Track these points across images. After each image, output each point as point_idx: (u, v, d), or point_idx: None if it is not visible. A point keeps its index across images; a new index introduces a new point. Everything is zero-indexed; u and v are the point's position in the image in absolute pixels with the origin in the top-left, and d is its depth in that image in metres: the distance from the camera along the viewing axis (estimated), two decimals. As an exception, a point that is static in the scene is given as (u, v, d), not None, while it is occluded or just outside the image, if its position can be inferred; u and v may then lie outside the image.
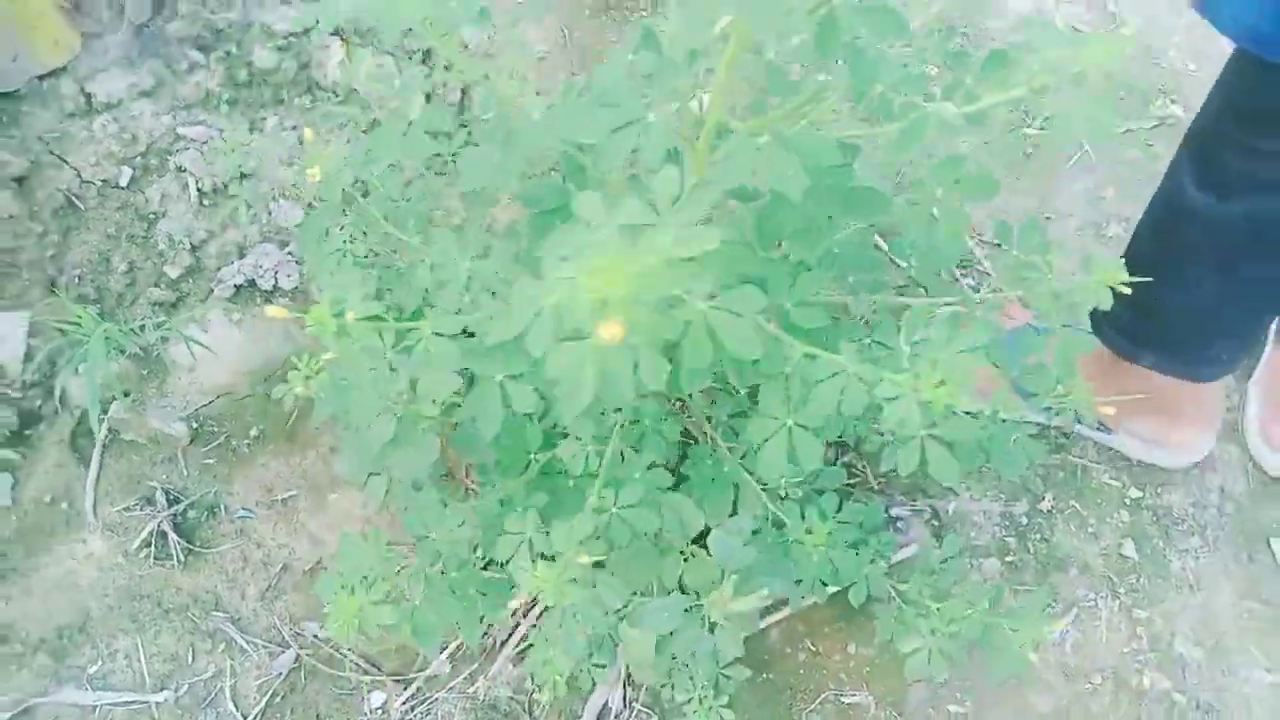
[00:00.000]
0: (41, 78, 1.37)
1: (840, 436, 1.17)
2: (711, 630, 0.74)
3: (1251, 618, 1.15)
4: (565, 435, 0.89)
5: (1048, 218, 1.39)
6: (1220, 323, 1.04)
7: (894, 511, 1.18)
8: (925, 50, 0.73)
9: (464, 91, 1.46)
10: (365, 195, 0.95)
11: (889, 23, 0.59)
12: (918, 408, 0.63)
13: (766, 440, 0.72)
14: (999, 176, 1.28)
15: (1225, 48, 0.94)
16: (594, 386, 0.52)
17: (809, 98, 0.64)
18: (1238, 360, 1.10)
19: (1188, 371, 1.09)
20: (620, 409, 0.88)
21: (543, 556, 0.69)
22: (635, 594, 0.78)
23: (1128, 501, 1.20)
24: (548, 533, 0.70)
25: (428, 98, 1.37)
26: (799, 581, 1.02)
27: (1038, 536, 1.19)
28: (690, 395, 0.98)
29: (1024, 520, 1.19)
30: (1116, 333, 1.09)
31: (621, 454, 0.85)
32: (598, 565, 0.71)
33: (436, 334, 0.71)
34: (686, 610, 0.74)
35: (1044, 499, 1.20)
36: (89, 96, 1.35)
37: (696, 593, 0.77)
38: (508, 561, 0.75)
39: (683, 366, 0.58)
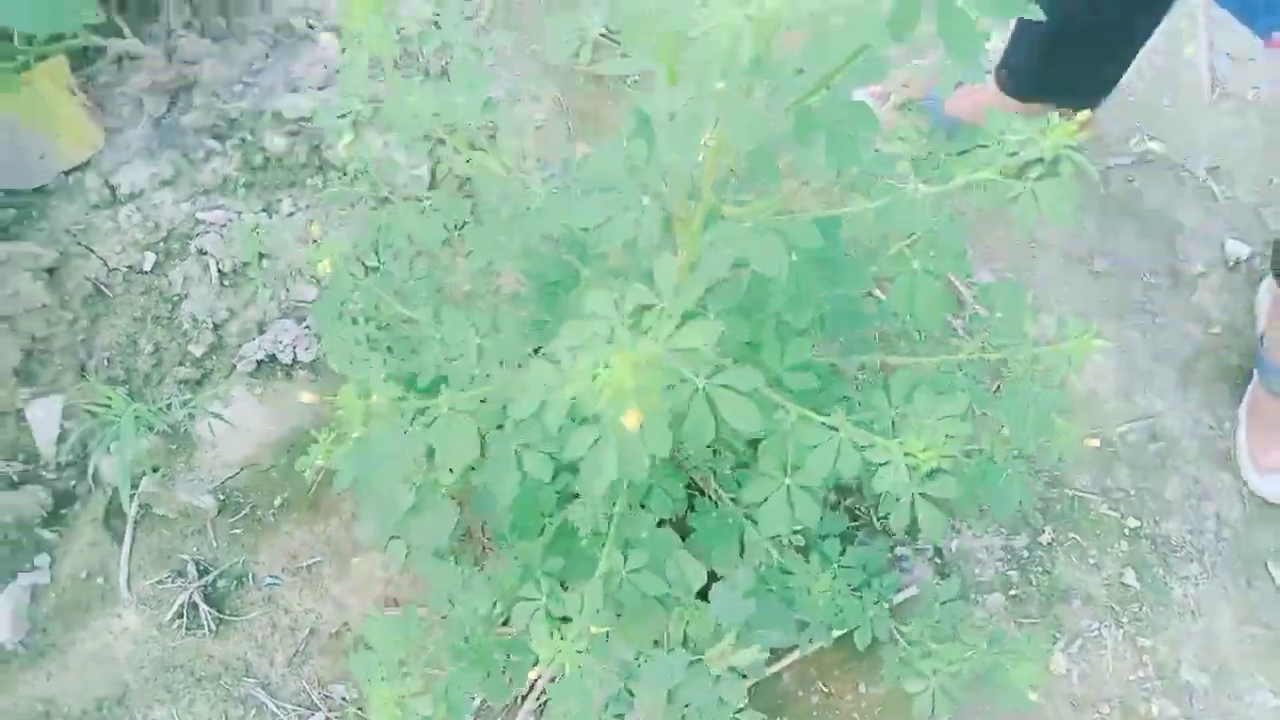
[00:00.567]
0: (68, 173, 1.45)
1: (840, 481, 1.21)
2: (716, 681, 0.78)
3: (1254, 642, 1.17)
4: (576, 495, 0.94)
5: (1033, 252, 1.43)
6: None
7: (898, 551, 1.22)
8: (898, 129, 0.79)
9: (469, 161, 1.52)
10: (376, 270, 1.01)
11: (862, 119, 0.65)
12: (906, 471, 0.67)
13: (766, 499, 0.76)
14: (984, 213, 1.33)
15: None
16: (615, 467, 0.56)
17: (790, 192, 0.70)
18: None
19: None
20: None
21: (558, 619, 0.74)
22: (641, 652, 0.82)
23: (1126, 531, 1.24)
24: (561, 598, 0.74)
25: (433, 175, 1.44)
26: (805, 627, 1.05)
27: (1040, 569, 1.22)
28: (686, 461, 1.03)
29: (1025, 554, 1.22)
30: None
31: (630, 506, 0.89)
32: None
33: (453, 409, 0.76)
34: (691, 664, 0.78)
35: (1044, 532, 1.23)
36: (113, 188, 1.43)
37: (699, 645, 0.80)
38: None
39: (686, 440, 0.63)
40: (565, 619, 0.74)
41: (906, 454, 0.65)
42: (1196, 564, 1.22)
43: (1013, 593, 1.20)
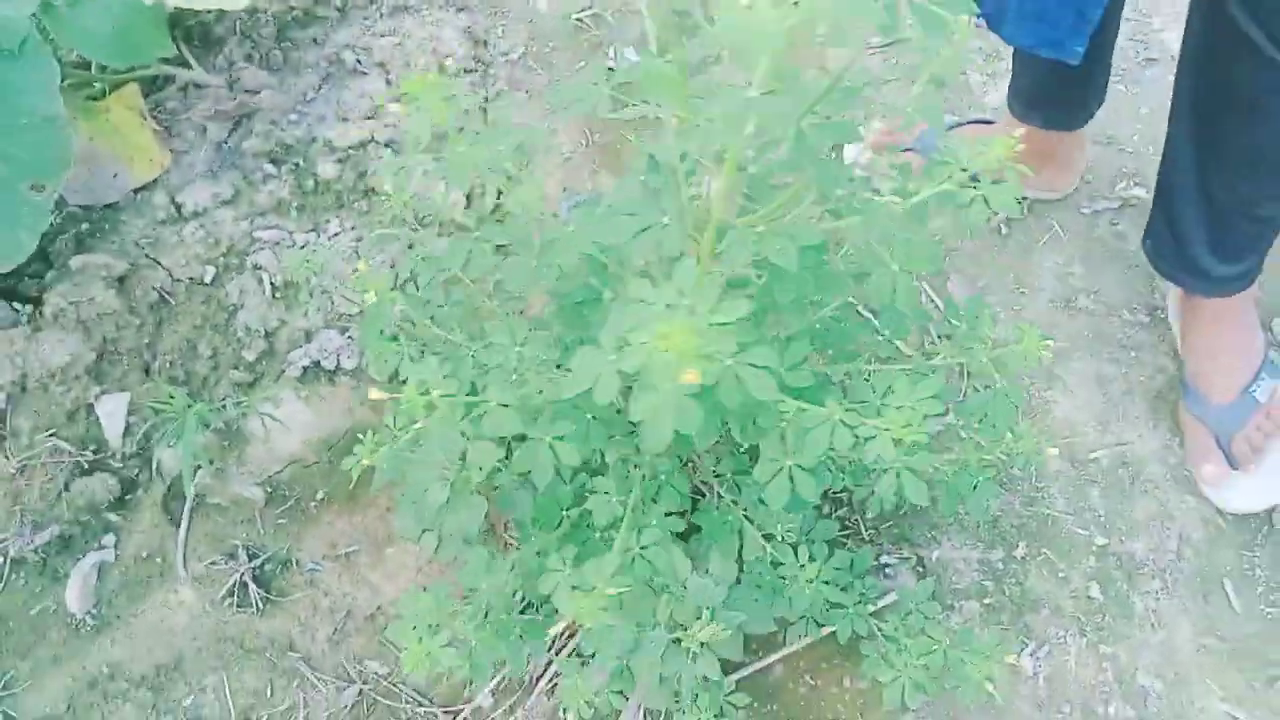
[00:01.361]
0: (137, 191, 1.59)
1: (835, 491, 1.33)
2: (692, 658, 0.90)
3: (1208, 653, 1.28)
4: (592, 493, 1.06)
5: (1021, 290, 1.55)
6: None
7: (883, 559, 1.33)
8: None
9: (500, 192, 1.65)
10: (415, 290, 1.13)
11: (847, 133, 0.78)
12: (891, 443, 0.79)
13: (771, 480, 0.87)
14: (977, 257, 1.46)
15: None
16: (672, 424, 0.68)
17: (788, 198, 0.82)
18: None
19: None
20: (639, 466, 1.05)
21: (577, 589, 0.86)
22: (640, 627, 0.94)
23: (1094, 549, 1.34)
24: (579, 573, 0.87)
25: (468, 199, 1.57)
26: (790, 625, 1.17)
27: (1013, 581, 1.33)
28: (697, 456, 1.15)
29: (1000, 566, 1.33)
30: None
31: (642, 501, 1.01)
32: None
33: (501, 404, 0.88)
34: (671, 642, 0.89)
35: (1018, 547, 1.34)
36: (178, 206, 1.57)
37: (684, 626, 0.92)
38: (546, 600, 0.92)
39: (717, 409, 0.75)
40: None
41: (889, 430, 0.77)
42: (1158, 580, 1.32)
43: (987, 601, 1.31)
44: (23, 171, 1.35)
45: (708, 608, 0.90)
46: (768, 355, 0.73)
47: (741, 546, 1.10)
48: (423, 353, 1.11)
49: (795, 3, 0.55)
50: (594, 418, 0.94)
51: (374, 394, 0.80)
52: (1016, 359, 0.97)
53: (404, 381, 1.13)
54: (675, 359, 0.61)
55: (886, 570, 1.32)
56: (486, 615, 1.03)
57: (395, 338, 1.14)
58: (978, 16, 1.04)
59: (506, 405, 0.83)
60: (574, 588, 0.87)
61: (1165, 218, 1.33)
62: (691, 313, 0.66)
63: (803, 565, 1.04)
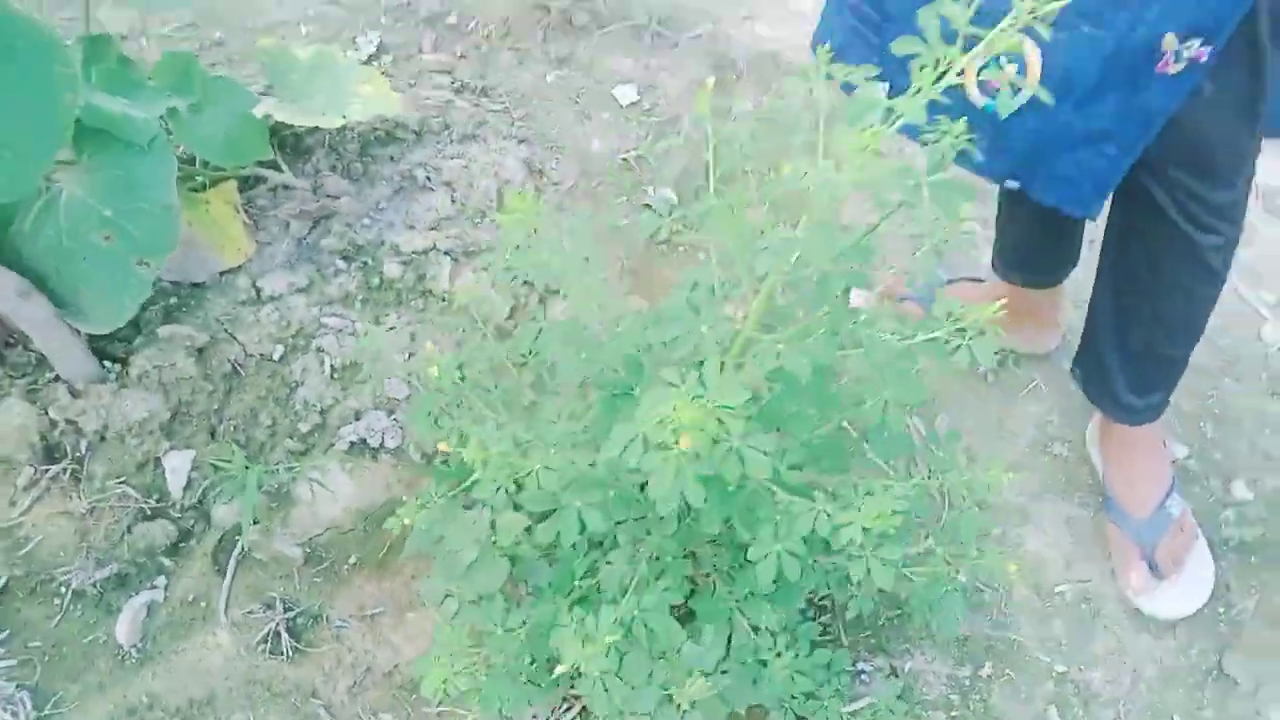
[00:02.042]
0: (224, 274, 1.79)
1: (819, 598, 1.46)
2: (682, 713, 1.03)
3: (1154, 781, 1.38)
4: (608, 564, 1.20)
5: (1002, 434, 1.71)
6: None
7: (860, 666, 1.45)
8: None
9: (541, 300, 1.85)
10: (462, 379, 1.30)
11: (859, 279, 0.96)
12: (861, 529, 0.94)
13: (762, 560, 1.02)
14: (966, 401, 1.63)
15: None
16: (677, 485, 0.84)
17: (806, 326, 1.00)
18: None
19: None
20: (648, 547, 1.20)
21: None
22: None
23: (1054, 675, 1.46)
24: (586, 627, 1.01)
25: (512, 310, 1.76)
26: (772, 711, 1.29)
27: (978, 697, 1.44)
28: (699, 548, 1.30)
29: (967, 683, 1.45)
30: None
31: (645, 580, 1.16)
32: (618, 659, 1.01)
33: (546, 468, 1.04)
34: (665, 697, 1.03)
35: (985, 666, 1.46)
36: (258, 290, 1.77)
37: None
38: (550, 659, 1.06)
39: (721, 478, 0.90)
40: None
41: (861, 520, 0.93)
42: (1112, 710, 1.44)
43: (953, 714, 1.43)
44: (135, 248, 1.56)
45: (699, 671, 1.03)
46: (766, 441, 0.90)
47: (731, 632, 1.23)
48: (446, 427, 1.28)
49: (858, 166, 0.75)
50: (616, 495, 1.10)
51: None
52: (982, 484, 1.13)
53: (443, 462, 1.30)
54: (684, 429, 0.78)
55: (862, 676, 1.44)
56: (499, 658, 1.16)
57: (438, 419, 1.31)
58: (1013, 179, 1.24)
59: (549, 469, 0.99)
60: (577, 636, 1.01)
61: (1090, 354, 1.52)
62: (701, 398, 0.83)
63: (779, 654, 1.17)
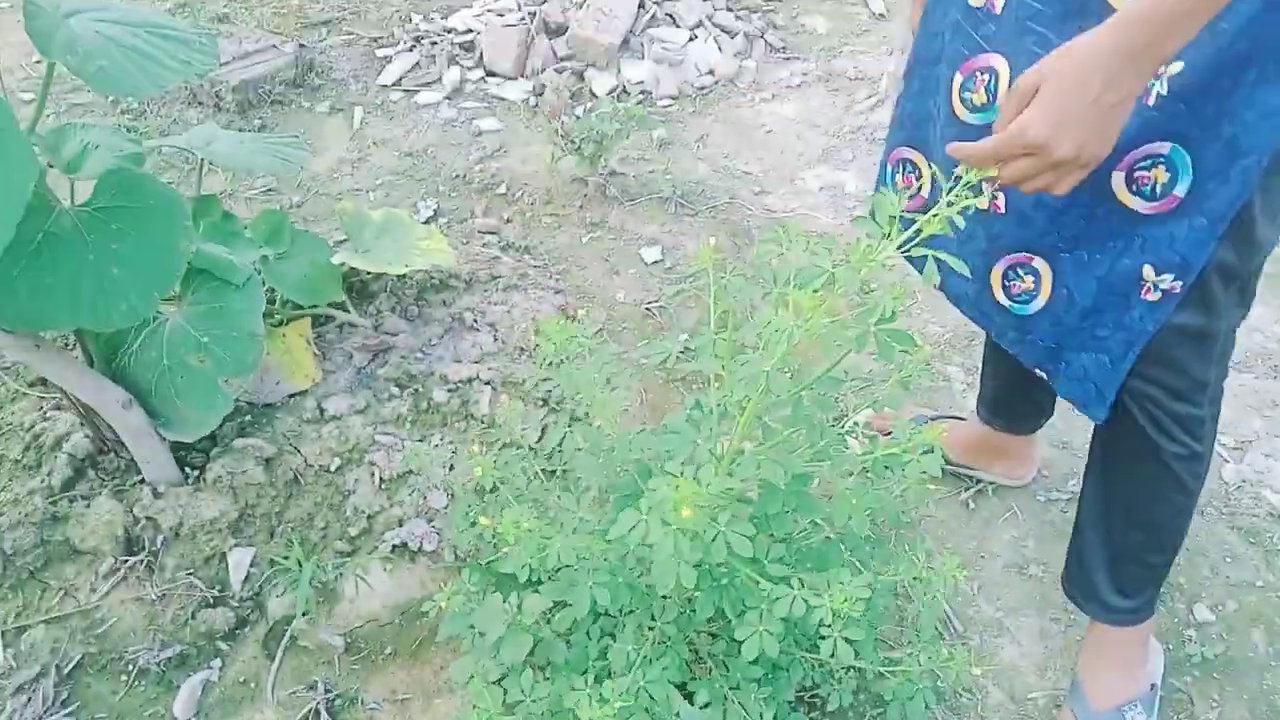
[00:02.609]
0: (292, 396, 2.05)
1: (809, 694, 1.60)
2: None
3: None
4: (613, 644, 1.37)
5: (982, 556, 1.87)
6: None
7: (844, 762, 1.57)
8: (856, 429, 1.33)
9: (570, 425, 2.08)
10: (494, 490, 1.51)
11: (825, 404, 1.18)
12: (830, 610, 1.11)
13: (749, 638, 1.19)
14: (949, 526, 1.82)
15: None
16: (674, 555, 1.03)
17: (784, 440, 1.21)
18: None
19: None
20: (653, 630, 1.37)
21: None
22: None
23: (1029, 776, 1.57)
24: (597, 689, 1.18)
25: (543, 431, 1.99)
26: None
27: (957, 796, 1.55)
28: (697, 635, 1.46)
29: (947, 781, 1.56)
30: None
31: (648, 660, 1.32)
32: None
33: (567, 545, 1.23)
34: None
35: (963, 766, 1.57)
36: (322, 410, 2.02)
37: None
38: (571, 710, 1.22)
39: (712, 572, 1.09)
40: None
41: (832, 602, 1.10)
42: (1086, 812, 1.53)
43: (934, 811, 1.53)
44: (224, 370, 1.82)
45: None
46: (747, 528, 1.10)
47: (725, 714, 1.38)
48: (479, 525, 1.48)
49: (806, 319, 0.99)
50: (623, 581, 1.28)
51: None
52: (939, 578, 1.30)
53: (466, 562, 1.50)
54: (681, 504, 0.99)
55: (847, 771, 1.56)
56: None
57: (474, 521, 1.52)
58: (1039, 370, 1.46)
59: (570, 547, 1.19)
60: (591, 698, 1.18)
61: (1076, 556, 1.58)
62: (695, 488, 1.04)
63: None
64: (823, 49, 3.57)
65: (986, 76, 1.22)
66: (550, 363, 1.39)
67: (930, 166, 1.43)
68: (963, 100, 1.27)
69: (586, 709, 1.16)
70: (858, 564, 1.39)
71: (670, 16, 3.55)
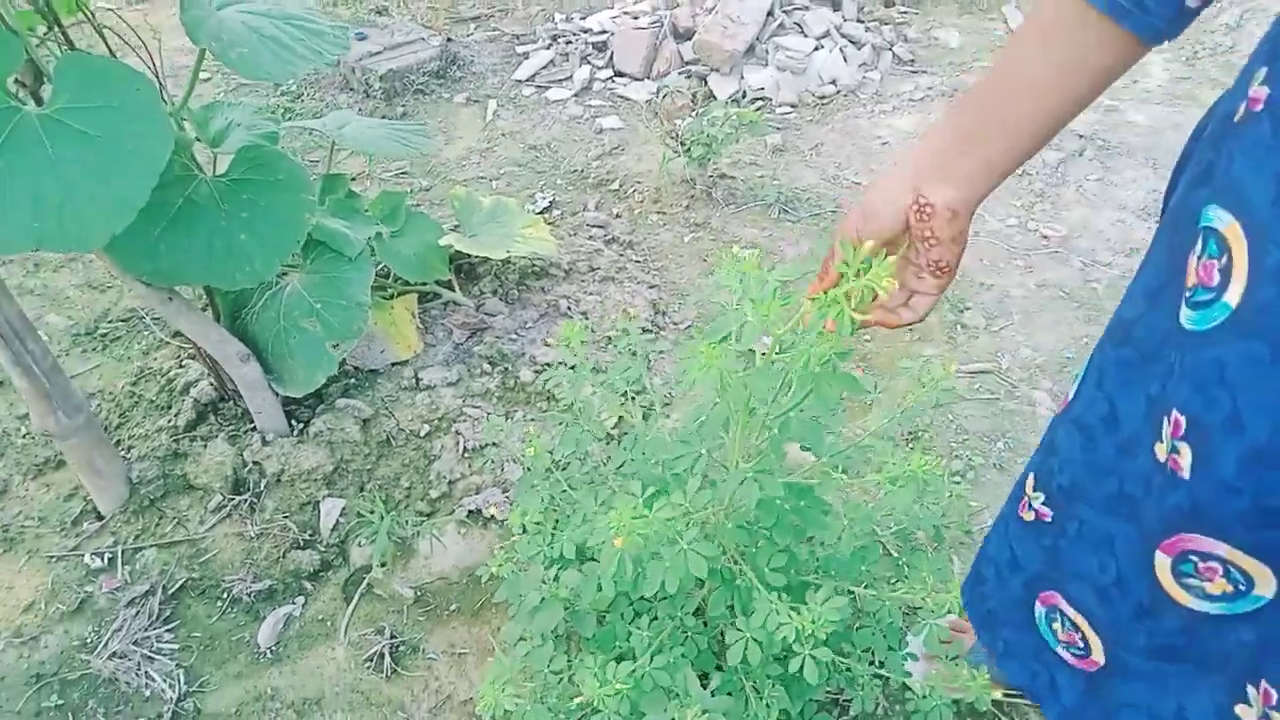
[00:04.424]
0: (394, 364, 2.21)
1: (843, 698, 1.62)
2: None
3: None
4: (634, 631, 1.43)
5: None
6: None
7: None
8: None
9: (645, 415, 2.15)
10: (562, 468, 1.60)
11: (815, 433, 1.21)
12: (795, 630, 1.14)
13: (734, 643, 1.23)
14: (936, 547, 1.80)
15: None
16: (614, 572, 1.10)
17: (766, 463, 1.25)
18: None
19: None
20: (675, 618, 1.42)
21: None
22: None
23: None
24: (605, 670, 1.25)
25: (619, 420, 2.07)
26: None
27: (985, 817, 1.54)
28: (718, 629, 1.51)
29: (976, 802, 1.55)
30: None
31: (667, 644, 1.38)
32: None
33: (569, 541, 1.31)
34: (670, 721, 1.24)
35: (995, 790, 1.56)
36: (418, 380, 2.16)
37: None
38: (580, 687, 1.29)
39: (669, 574, 1.15)
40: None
41: (803, 621, 1.13)
42: None
43: (959, 829, 1.53)
44: (331, 334, 1.99)
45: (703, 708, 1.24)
46: (706, 549, 1.14)
47: (747, 702, 1.42)
48: (544, 500, 1.57)
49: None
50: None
51: (504, 516, 1.25)
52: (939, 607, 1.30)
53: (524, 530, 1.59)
54: (620, 531, 1.04)
55: (873, 779, 1.57)
56: (543, 692, 1.40)
57: (542, 496, 1.61)
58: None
59: (573, 542, 1.27)
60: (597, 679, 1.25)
61: None
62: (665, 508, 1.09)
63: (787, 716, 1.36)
64: (951, 63, 3.52)
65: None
66: (634, 353, 1.47)
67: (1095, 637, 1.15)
68: (1183, 584, 0.97)
69: (590, 686, 1.23)
70: (867, 573, 1.41)
71: (799, 25, 3.57)
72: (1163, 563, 0.95)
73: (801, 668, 1.14)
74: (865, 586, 1.40)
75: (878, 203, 0.90)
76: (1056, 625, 1.19)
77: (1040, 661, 1.21)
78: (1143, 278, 0.97)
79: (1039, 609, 1.22)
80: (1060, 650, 1.17)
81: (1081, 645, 1.15)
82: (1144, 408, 0.93)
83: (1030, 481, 1.18)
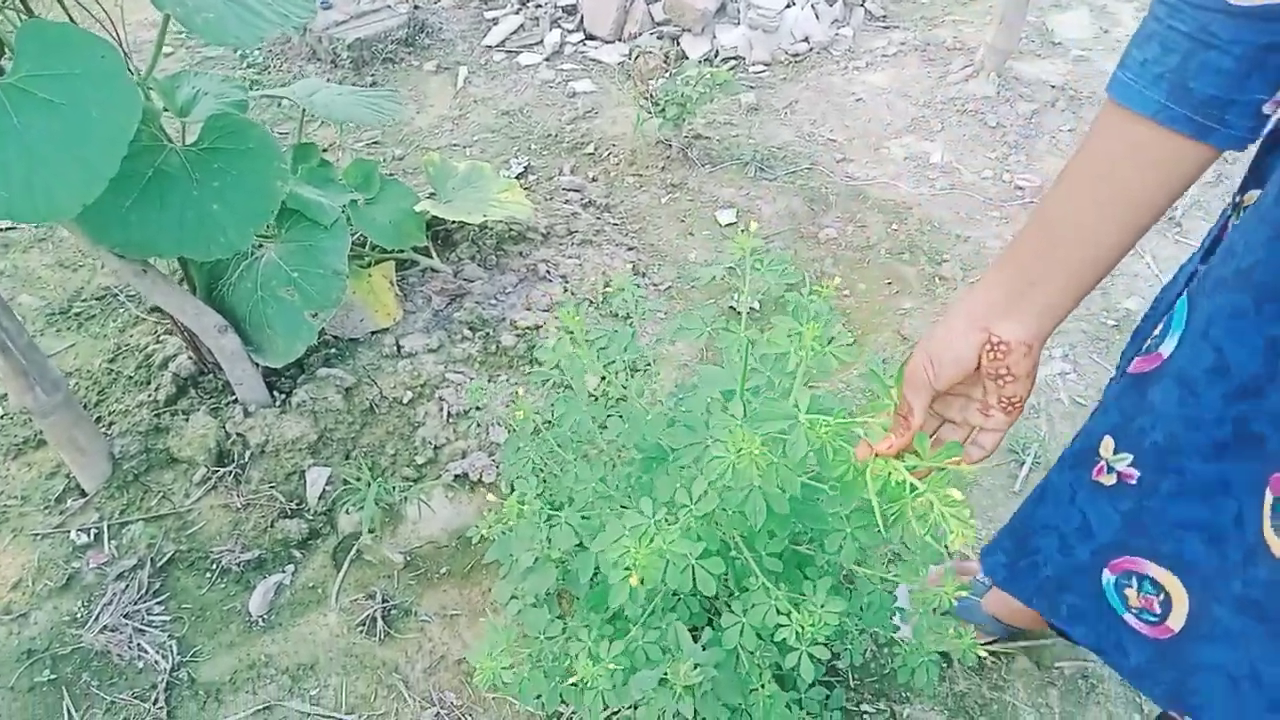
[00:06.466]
0: (374, 333, 2.20)
1: (837, 652, 1.65)
2: (678, 700, 1.25)
3: None
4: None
5: None
6: None
7: (862, 707, 1.62)
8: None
9: (629, 376, 2.16)
10: (549, 427, 1.61)
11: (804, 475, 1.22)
12: (794, 633, 1.15)
13: (729, 628, 1.25)
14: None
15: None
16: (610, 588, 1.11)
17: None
18: None
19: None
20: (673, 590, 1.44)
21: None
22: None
23: (1047, 741, 1.58)
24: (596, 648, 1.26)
25: (603, 378, 2.08)
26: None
27: (973, 753, 1.57)
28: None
29: (964, 739, 1.59)
30: None
31: (660, 607, 1.40)
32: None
33: (567, 523, 1.32)
34: (661, 681, 1.25)
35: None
36: (399, 347, 2.16)
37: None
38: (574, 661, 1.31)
39: (671, 584, 1.16)
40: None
41: (799, 618, 1.14)
42: (1102, 781, 1.54)
43: (947, 764, 1.56)
44: (309, 303, 1.98)
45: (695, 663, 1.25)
46: (713, 566, 1.15)
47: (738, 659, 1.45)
48: (535, 473, 1.58)
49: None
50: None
51: (490, 497, 1.26)
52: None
53: (511, 490, 1.60)
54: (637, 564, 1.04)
55: (864, 717, 1.61)
56: (539, 658, 1.42)
57: (528, 460, 1.61)
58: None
59: (571, 525, 1.28)
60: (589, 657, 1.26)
61: None
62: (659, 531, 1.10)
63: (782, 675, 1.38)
64: (923, 18, 3.51)
65: None
66: (616, 315, 1.47)
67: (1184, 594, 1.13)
68: (1275, 526, 0.95)
69: (582, 665, 1.23)
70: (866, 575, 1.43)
71: (770, -18, 3.55)
72: (1269, 501, 0.94)
73: (798, 664, 1.15)
74: (858, 564, 1.42)
75: (944, 346, 0.91)
76: (1130, 590, 1.18)
77: (1106, 624, 1.23)
78: (1265, 225, 0.96)
79: (1107, 576, 1.21)
80: (1129, 616, 1.18)
81: (1158, 611, 1.15)
82: (1262, 348, 0.92)
83: (1107, 444, 1.16)
